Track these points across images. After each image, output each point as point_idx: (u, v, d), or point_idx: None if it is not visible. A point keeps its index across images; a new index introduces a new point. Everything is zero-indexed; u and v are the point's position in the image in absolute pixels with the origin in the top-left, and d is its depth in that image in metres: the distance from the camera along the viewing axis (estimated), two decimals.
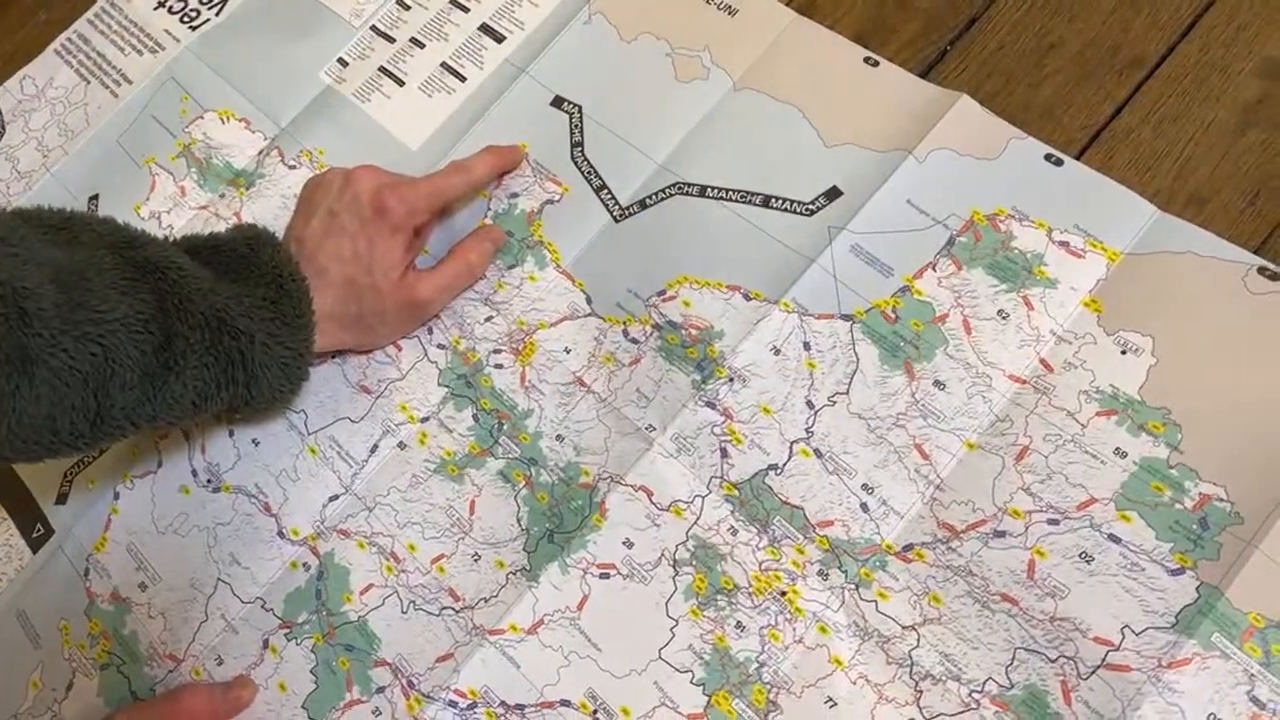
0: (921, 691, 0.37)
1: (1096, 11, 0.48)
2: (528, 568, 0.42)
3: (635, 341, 0.45)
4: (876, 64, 0.48)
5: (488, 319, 0.48)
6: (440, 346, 0.48)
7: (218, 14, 0.60)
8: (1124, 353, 0.39)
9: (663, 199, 0.48)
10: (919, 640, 0.37)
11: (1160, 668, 0.34)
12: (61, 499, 0.49)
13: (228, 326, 0.40)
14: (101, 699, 0.44)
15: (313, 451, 0.47)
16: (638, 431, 0.43)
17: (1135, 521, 0.37)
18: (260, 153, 0.55)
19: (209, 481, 0.47)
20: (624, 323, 0.46)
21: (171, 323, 0.39)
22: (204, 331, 0.39)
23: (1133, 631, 0.35)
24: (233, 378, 0.41)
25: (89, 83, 0.60)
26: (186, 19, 0.60)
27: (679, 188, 0.48)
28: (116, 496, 0.48)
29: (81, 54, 0.62)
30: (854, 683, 0.37)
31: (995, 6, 0.49)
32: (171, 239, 0.43)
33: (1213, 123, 0.44)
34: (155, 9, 0.61)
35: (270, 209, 0.53)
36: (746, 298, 0.44)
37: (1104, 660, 0.35)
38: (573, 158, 0.50)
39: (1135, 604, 0.35)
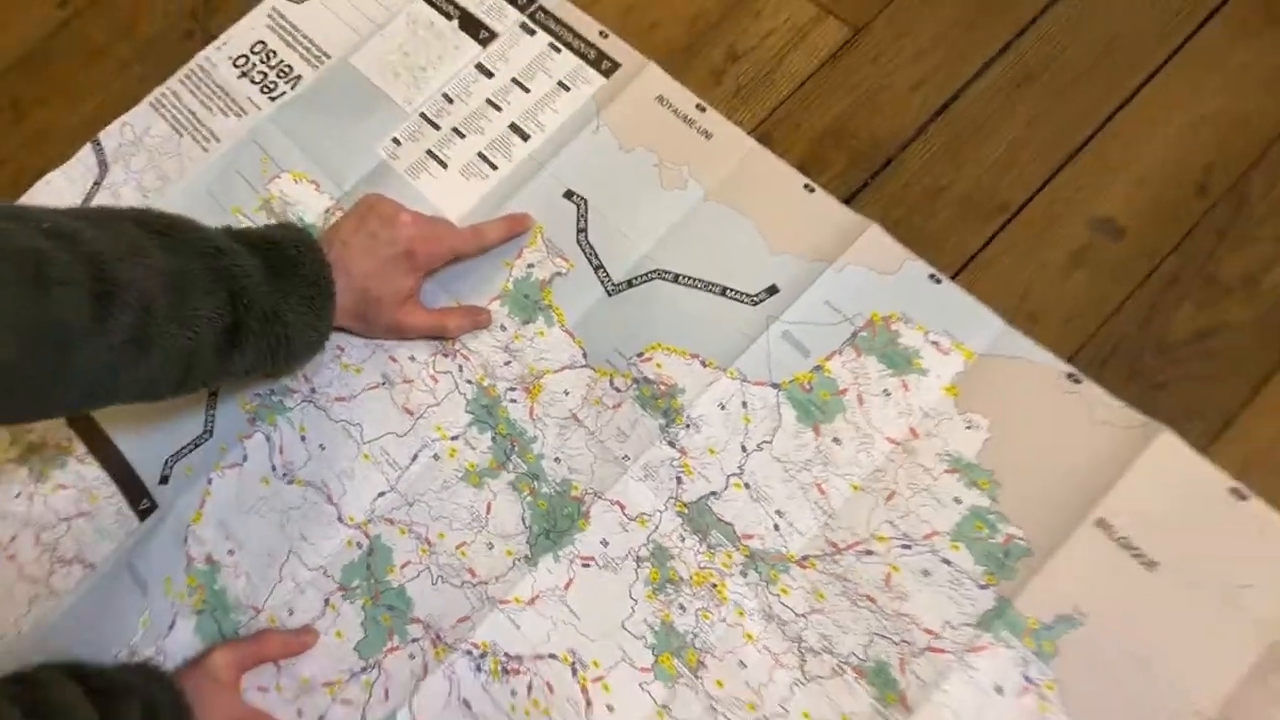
0: (805, 660, 0.52)
1: (981, 163, 0.63)
2: (529, 555, 0.57)
3: (618, 390, 0.60)
4: (812, 190, 0.63)
5: (506, 363, 0.62)
6: (469, 382, 0.62)
7: (292, 88, 0.73)
8: (969, 428, 0.55)
9: (646, 280, 0.63)
10: (807, 625, 0.53)
11: (966, 651, 0.50)
12: (164, 480, 0.62)
13: (279, 319, 0.53)
14: (198, 637, 0.58)
15: (366, 457, 0.61)
16: (616, 460, 0.58)
17: (962, 550, 0.53)
18: (326, 210, 0.69)
19: (284, 475, 0.61)
20: (611, 375, 0.61)
21: (239, 316, 0.52)
22: (261, 322, 0.53)
23: (950, 626, 0.51)
24: (275, 354, 0.55)
25: (181, 136, 0.73)
26: (266, 89, 0.74)
27: (658, 273, 0.63)
28: (210, 482, 0.62)
29: (174, 109, 0.74)
30: (759, 652, 0.53)
31: (907, 151, 0.64)
32: (236, 230, 0.56)
33: (1051, 261, 0.60)
34: (239, 77, 0.75)
35: None
36: (703, 364, 0.60)
37: (929, 645, 0.51)
38: (578, 240, 0.65)
39: (954, 607, 0.51)
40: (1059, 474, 0.53)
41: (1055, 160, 0.62)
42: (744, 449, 0.57)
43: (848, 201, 0.63)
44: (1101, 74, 0.64)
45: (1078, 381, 0.55)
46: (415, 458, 0.61)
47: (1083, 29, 0.66)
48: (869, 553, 0.54)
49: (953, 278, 0.60)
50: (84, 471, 0.64)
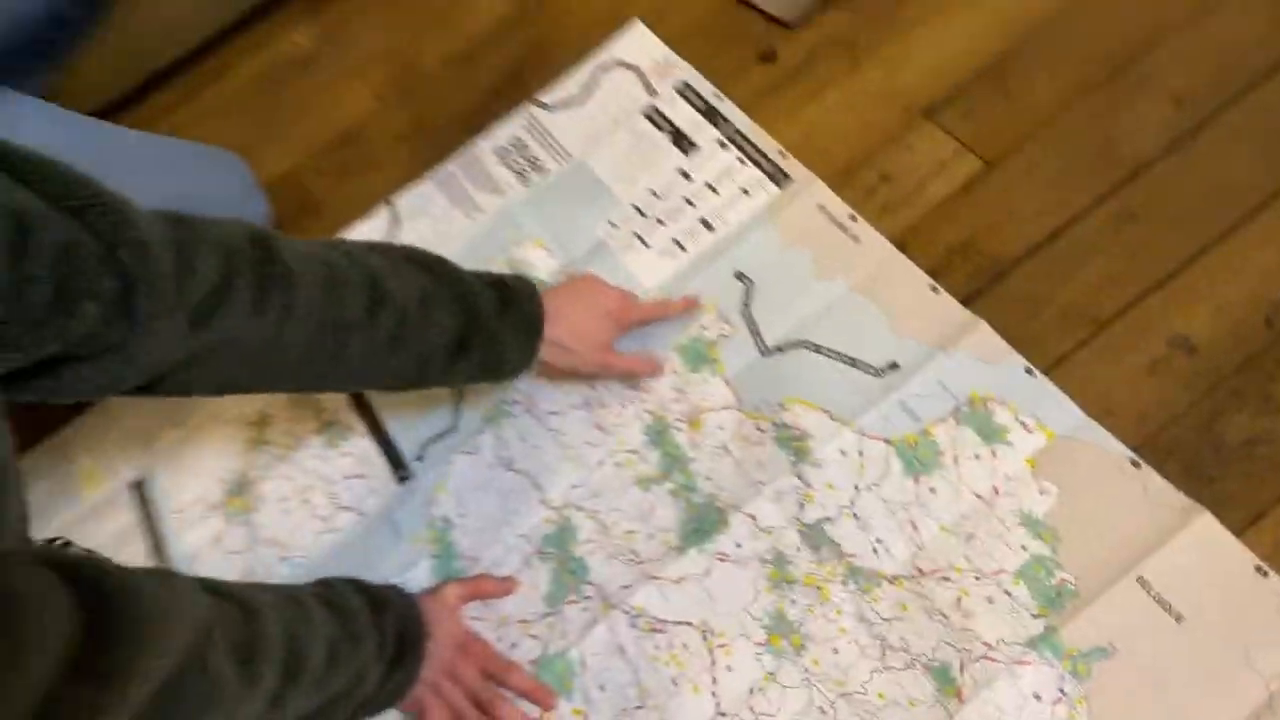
0: (885, 654, 0.67)
1: (1081, 282, 0.77)
2: (680, 546, 0.75)
3: (761, 431, 0.77)
4: (937, 291, 0.79)
5: (676, 400, 0.81)
6: (647, 411, 0.81)
7: (540, 177, 0.96)
8: (1041, 493, 0.69)
9: (793, 348, 0.80)
10: (890, 628, 0.68)
11: (1014, 664, 0.64)
12: (419, 458, 0.85)
13: (498, 340, 0.70)
14: (432, 575, 0.79)
15: (567, 458, 0.81)
16: (753, 483, 0.75)
17: (1022, 586, 0.66)
18: (553, 272, 0.90)
19: (505, 464, 0.82)
20: (757, 419, 0.78)
21: (468, 333, 0.69)
22: (484, 341, 0.69)
23: (1004, 642, 0.65)
24: (489, 368, 0.72)
25: (454, 206, 0.97)
26: (519, 176, 0.97)
27: (804, 343, 0.80)
28: (451, 463, 0.83)
29: (451, 185, 0.99)
30: (849, 643, 0.68)
31: (1020, 266, 0.79)
32: (480, 271, 0.74)
33: (1131, 367, 0.73)
34: (500, 165, 0.98)
35: None
36: (831, 418, 0.76)
37: (985, 655, 0.65)
38: (742, 312, 0.83)
39: (1009, 629, 0.65)
40: (1111, 537, 0.66)
41: (1146, 285, 0.75)
42: (856, 488, 0.73)
43: (965, 302, 0.78)
44: (1196, 218, 0.77)
45: (1138, 466, 0.68)
46: (602, 463, 0.80)
47: (1185, 179, 0.79)
48: (946, 579, 0.68)
49: (1045, 372, 0.74)
50: (363, 445, 0.87)
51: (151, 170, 0.86)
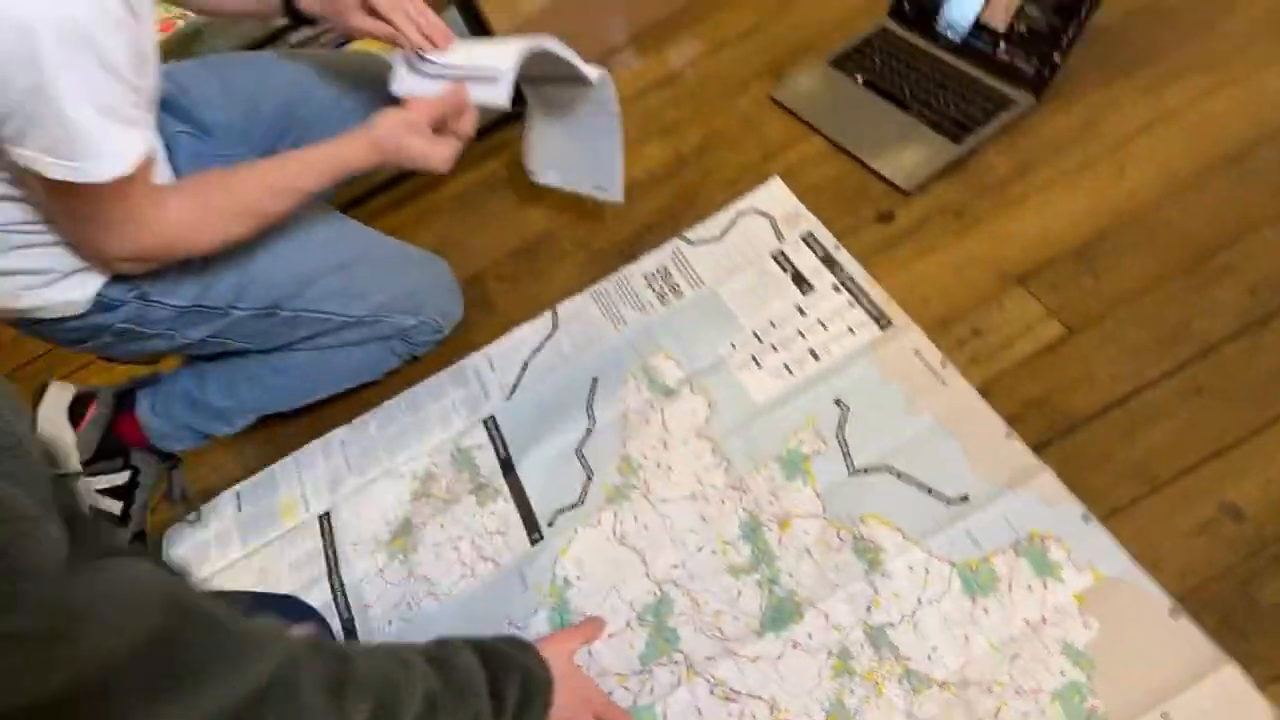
0: None
1: (1145, 444, 0.86)
2: (759, 630, 0.87)
3: (841, 540, 0.89)
4: (1010, 437, 0.90)
5: (770, 503, 0.94)
6: (745, 509, 0.94)
7: (677, 299, 1.14)
8: (1085, 626, 0.78)
9: (876, 471, 0.92)
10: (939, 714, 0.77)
11: None
12: (550, 524, 1.01)
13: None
14: (549, 625, 0.94)
15: (672, 540, 0.95)
16: (829, 584, 0.87)
17: (1057, 706, 0.75)
18: (678, 381, 1.06)
19: (620, 538, 0.97)
20: (838, 528, 0.90)
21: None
22: None
23: None
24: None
25: (605, 317, 1.16)
26: (660, 298, 1.14)
27: (886, 468, 0.92)
28: (576, 532, 0.99)
29: (604, 300, 1.18)
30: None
31: (1089, 424, 0.89)
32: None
33: (1181, 525, 0.81)
34: (645, 287, 1.16)
35: (681, 410, 1.03)
36: (904, 537, 0.87)
37: None
38: (836, 434, 0.96)
39: None
40: (1143, 674, 0.74)
41: (1205, 454, 0.84)
42: (919, 600, 0.84)
43: (1035, 450, 0.89)
44: (1258, 399, 0.85)
45: (1177, 615, 0.76)
46: (701, 549, 0.94)
47: (1251, 362, 0.87)
48: (989, 691, 0.77)
49: (1101, 520, 0.83)
50: (506, 507, 1.04)
51: (380, 268, 1.08)
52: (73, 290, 0.89)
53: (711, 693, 0.85)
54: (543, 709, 0.78)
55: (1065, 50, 1.11)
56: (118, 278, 0.90)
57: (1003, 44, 1.17)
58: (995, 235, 1.05)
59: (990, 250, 1.04)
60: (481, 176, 1.41)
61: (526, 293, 1.24)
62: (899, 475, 0.91)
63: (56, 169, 0.72)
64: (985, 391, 0.94)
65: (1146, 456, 0.86)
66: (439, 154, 0.93)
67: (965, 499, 0.87)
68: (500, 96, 0.93)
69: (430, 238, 1.36)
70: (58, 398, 1.05)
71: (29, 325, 0.92)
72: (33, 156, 0.72)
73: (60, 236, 0.84)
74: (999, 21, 1.17)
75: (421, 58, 0.97)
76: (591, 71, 1.02)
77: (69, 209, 0.79)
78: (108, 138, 0.73)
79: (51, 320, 0.91)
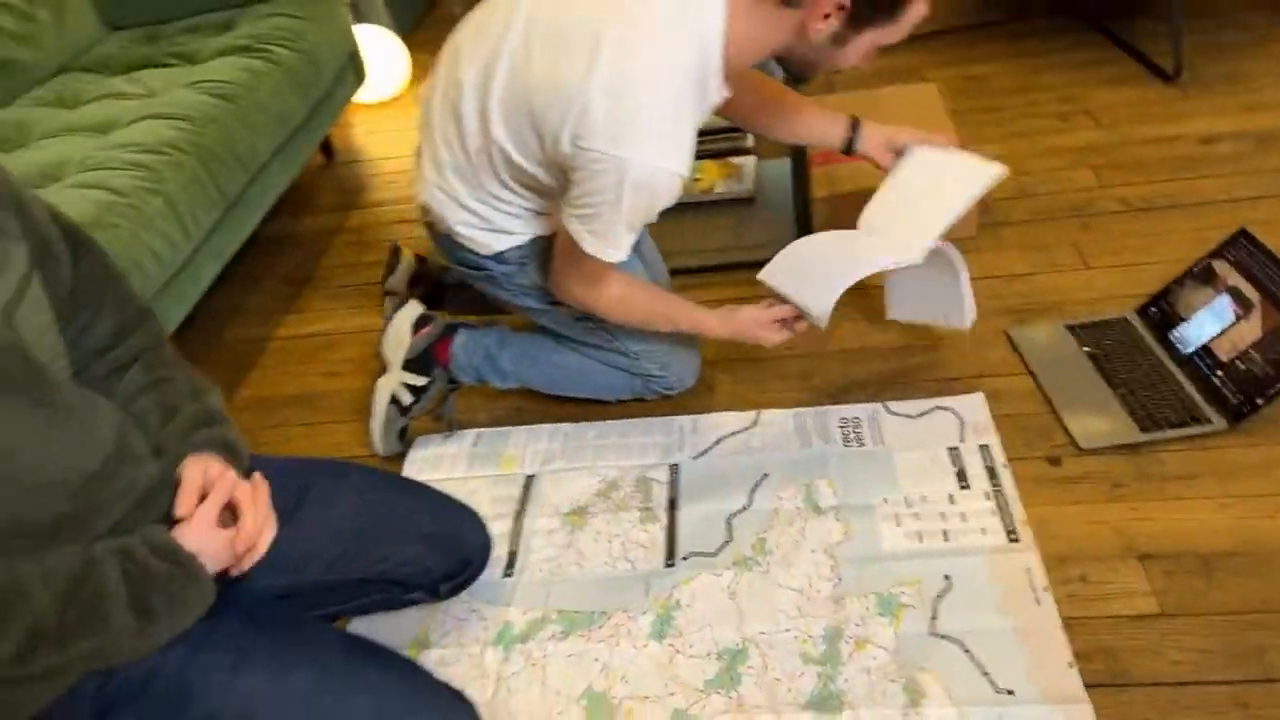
0: None
1: None
2: (803, 706, 1.07)
3: (898, 676, 1.08)
4: (1072, 666, 1.05)
5: (856, 626, 1.14)
6: (834, 619, 1.15)
7: (857, 446, 1.37)
8: None
9: (950, 641, 1.10)
10: None
11: None
12: (685, 559, 1.26)
13: None
14: (649, 632, 1.19)
15: (769, 614, 1.17)
16: (873, 701, 1.06)
17: None
18: (829, 506, 1.29)
19: (729, 595, 1.20)
20: (900, 666, 1.09)
21: None
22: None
23: None
24: None
25: (795, 434, 1.41)
26: (844, 440, 1.39)
27: (960, 642, 1.10)
28: (699, 573, 1.23)
29: (803, 426, 1.44)
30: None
31: (1141, 690, 1.03)
32: None
33: None
34: (836, 426, 1.41)
35: (822, 527, 1.27)
36: (948, 697, 1.05)
37: None
38: (933, 600, 1.15)
39: None
40: None
41: None
42: None
43: (1087, 686, 1.03)
44: None
45: None
46: (788, 630, 1.15)
47: None
48: None
49: None
50: (658, 531, 1.31)
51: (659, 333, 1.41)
52: (492, 241, 1.30)
53: None
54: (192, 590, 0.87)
55: (1270, 397, 1.26)
56: (516, 246, 1.31)
57: (1220, 371, 1.33)
58: (1138, 515, 1.21)
59: (1128, 524, 1.20)
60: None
61: (743, 391, 1.53)
62: (966, 651, 1.09)
63: (589, 242, 1.13)
64: (1067, 625, 1.10)
65: None
66: (775, 340, 1.35)
67: (1011, 693, 1.04)
68: (821, 323, 1.28)
69: None
70: (410, 312, 1.46)
71: (446, 240, 1.34)
72: (576, 230, 1.13)
73: (519, 220, 1.27)
74: (1224, 353, 1.34)
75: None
76: (922, 251, 1.28)
77: (568, 252, 1.19)
78: (625, 244, 1.14)
79: (463, 246, 1.32)
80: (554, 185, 1.17)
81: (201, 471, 0.94)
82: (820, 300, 1.26)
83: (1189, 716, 1.00)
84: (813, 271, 1.32)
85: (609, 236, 1.12)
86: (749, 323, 1.34)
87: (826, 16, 1.04)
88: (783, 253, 1.37)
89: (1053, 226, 1.76)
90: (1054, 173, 1.91)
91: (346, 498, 1.12)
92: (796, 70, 1.18)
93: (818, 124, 1.43)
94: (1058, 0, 2.59)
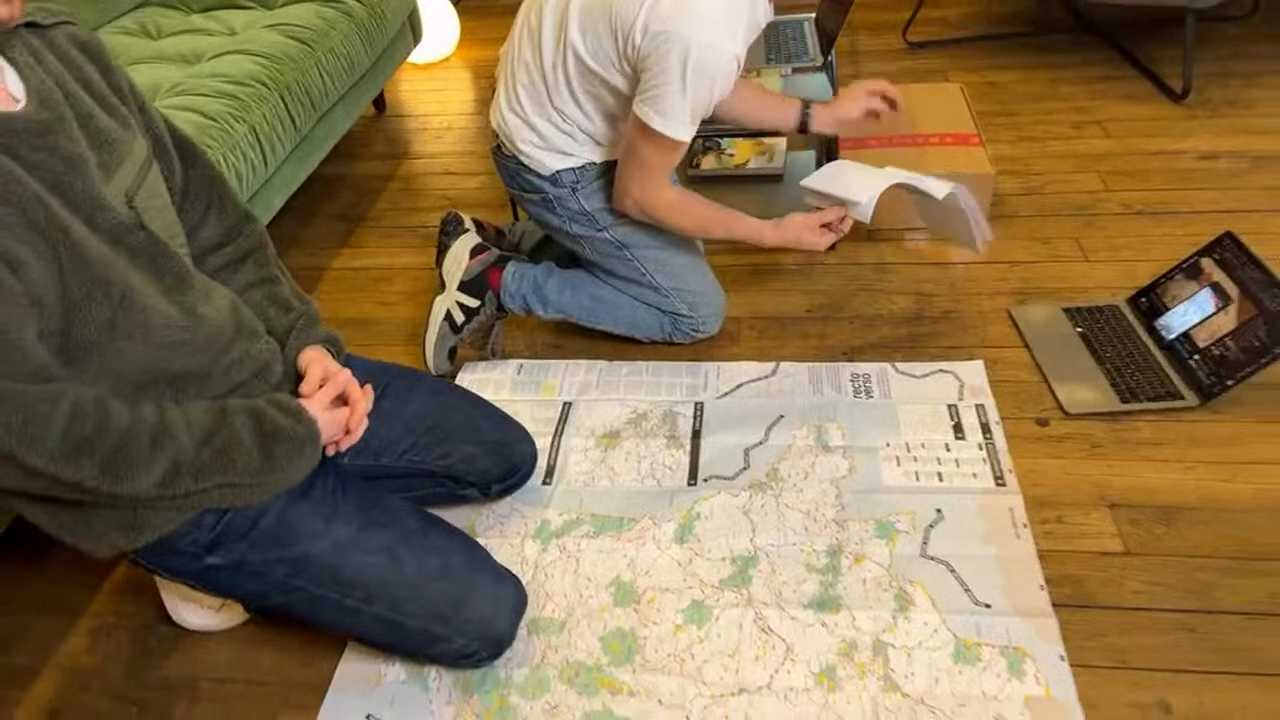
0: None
1: (1126, 639, 1.14)
2: (804, 605, 1.22)
3: (890, 586, 1.23)
4: (1043, 588, 1.20)
5: (857, 543, 1.29)
6: (837, 538, 1.30)
7: (865, 399, 1.52)
8: (1019, 715, 1.07)
9: (938, 561, 1.25)
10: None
11: None
12: (706, 480, 1.41)
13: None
14: (673, 537, 1.34)
15: (780, 527, 1.32)
16: (866, 604, 1.21)
17: None
18: (838, 445, 1.44)
19: (745, 512, 1.35)
20: (893, 579, 1.24)
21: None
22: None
23: None
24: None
25: (810, 384, 1.56)
26: (855, 391, 1.54)
27: (946, 562, 1.25)
28: (719, 493, 1.38)
29: (817, 377, 1.58)
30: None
31: (1105, 613, 1.18)
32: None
33: (1121, 699, 1.09)
34: (848, 380, 1.56)
35: (830, 462, 1.42)
36: (932, 604, 1.20)
37: None
38: (925, 530, 1.30)
39: None
40: None
41: (1167, 667, 1.11)
42: (920, 644, 1.16)
43: (1054, 604, 1.19)
44: (1226, 655, 1.11)
45: None
46: (794, 544, 1.30)
47: (1238, 632, 1.14)
48: (932, 711, 1.08)
49: (1071, 664, 1.12)
50: (683, 456, 1.45)
51: (693, 272, 1.56)
52: (551, 160, 1.46)
53: (754, 622, 1.21)
54: (309, 446, 1.02)
55: (1239, 379, 1.42)
56: (571, 168, 1.46)
57: (1197, 356, 1.49)
58: (1112, 471, 1.36)
59: (1103, 477, 1.35)
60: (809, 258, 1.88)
61: (765, 345, 1.67)
62: (952, 571, 1.24)
63: (657, 120, 1.28)
64: (1042, 556, 1.25)
65: (1127, 647, 1.14)
66: (822, 243, 1.51)
67: (988, 606, 1.19)
68: (865, 216, 1.45)
69: (734, 274, 1.83)
70: (467, 240, 1.61)
71: (512, 162, 1.50)
72: (645, 112, 1.28)
73: (575, 142, 1.43)
74: (1202, 340, 1.49)
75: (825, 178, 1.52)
76: (940, 189, 1.47)
77: (632, 153, 1.35)
78: (688, 124, 1.29)
79: (525, 167, 1.48)
80: (619, 88, 1.34)
81: (323, 365, 1.10)
82: (866, 192, 1.44)
83: (1141, 634, 1.15)
84: (854, 177, 1.51)
85: (675, 114, 1.28)
86: (799, 227, 1.49)
87: None
88: (823, 169, 1.56)
89: (1057, 222, 1.91)
90: (1063, 175, 2.06)
91: (420, 397, 1.27)
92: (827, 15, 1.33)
93: (777, 108, 1.64)
94: (1080, 18, 2.74)
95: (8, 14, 0.81)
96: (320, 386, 1.08)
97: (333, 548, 1.06)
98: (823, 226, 1.50)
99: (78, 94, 0.92)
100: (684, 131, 1.31)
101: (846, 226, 1.51)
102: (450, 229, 1.65)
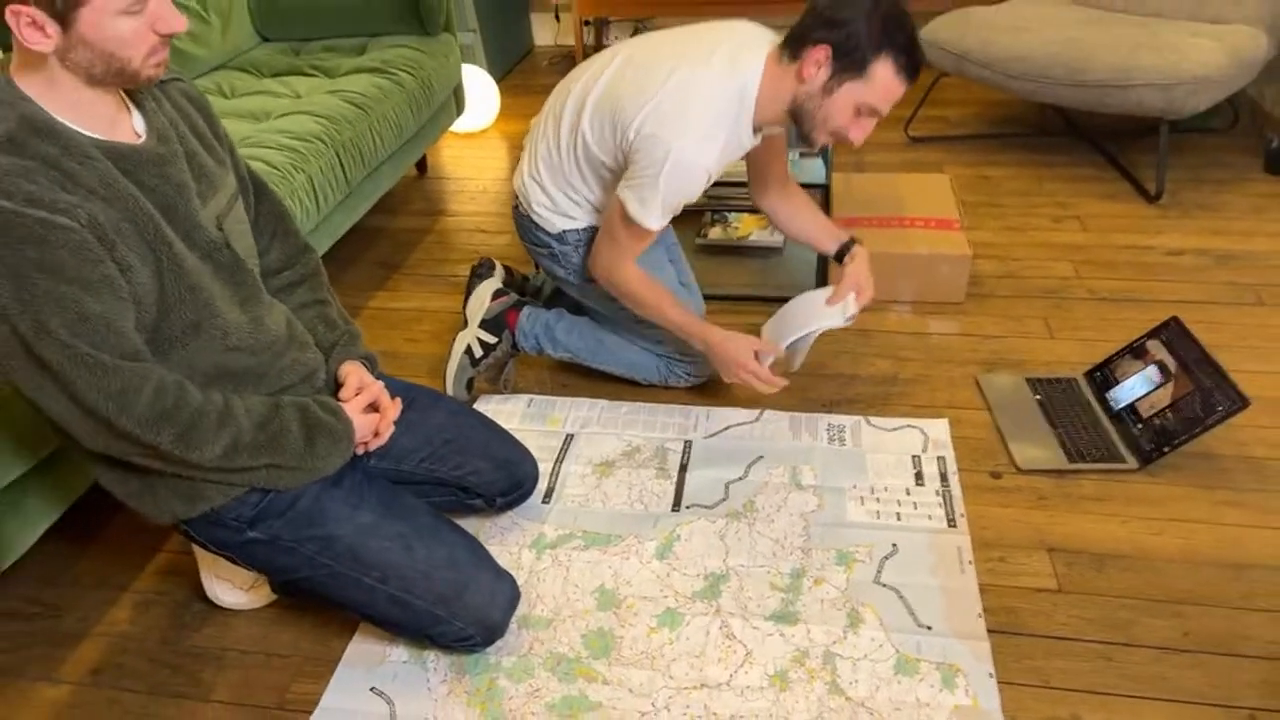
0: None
1: (1051, 664, 1.28)
2: (766, 618, 1.36)
3: (844, 606, 1.38)
4: (980, 615, 1.35)
5: (818, 568, 1.44)
6: (800, 563, 1.45)
7: (838, 445, 1.69)
8: None
9: (888, 588, 1.40)
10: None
11: None
12: (688, 508, 1.57)
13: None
14: (655, 553, 1.49)
15: (748, 552, 1.48)
16: (821, 621, 1.35)
17: None
18: (809, 484, 1.60)
19: (720, 537, 1.51)
20: (848, 600, 1.39)
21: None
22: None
23: None
24: None
25: (789, 430, 1.73)
26: (829, 439, 1.70)
27: (896, 589, 1.39)
28: (698, 519, 1.54)
29: (793, 421, 1.75)
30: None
31: (1027, 639, 1.32)
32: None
33: (1037, 713, 1.22)
34: (824, 429, 1.73)
35: (801, 499, 1.58)
36: (880, 623, 1.34)
37: None
38: (880, 562, 1.45)
39: None
40: None
41: (1083, 688, 1.24)
42: (865, 655, 1.30)
43: (990, 630, 1.33)
44: (1135, 684, 1.24)
45: None
46: (762, 565, 1.45)
47: (1149, 665, 1.27)
48: (871, 713, 1.22)
49: (999, 682, 1.25)
50: (668, 487, 1.62)
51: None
52: (559, 222, 1.67)
53: (720, 629, 1.36)
54: (345, 441, 1.21)
55: (1175, 447, 1.57)
56: (575, 229, 1.66)
57: (1140, 425, 1.64)
58: (1053, 522, 1.51)
59: (1045, 527, 1.50)
60: None
61: (751, 394, 1.83)
62: (900, 596, 1.39)
63: (633, 206, 1.47)
64: (983, 589, 1.39)
65: (1050, 670, 1.27)
66: (732, 379, 1.67)
67: (929, 628, 1.33)
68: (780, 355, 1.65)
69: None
70: (490, 284, 1.82)
71: (526, 220, 1.70)
72: (625, 196, 1.48)
73: (580, 209, 1.63)
74: (1145, 411, 1.65)
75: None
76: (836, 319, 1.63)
77: (609, 226, 1.55)
78: (658, 216, 1.48)
79: (537, 225, 1.68)
80: (615, 169, 1.54)
81: (359, 376, 1.30)
82: (787, 338, 1.64)
83: (1064, 660, 1.29)
84: (786, 324, 1.68)
85: (649, 205, 1.46)
86: (735, 355, 1.62)
87: (818, 64, 1.39)
88: (779, 314, 1.72)
89: (1029, 302, 2.09)
90: (1038, 262, 2.25)
91: (440, 415, 1.45)
92: (804, 129, 1.49)
93: (824, 232, 1.74)
94: (1071, 123, 2.97)
95: (156, 75, 1.03)
96: (356, 394, 1.27)
97: (356, 531, 1.23)
98: (749, 372, 1.62)
99: (186, 135, 1.13)
100: (655, 222, 1.49)
101: (767, 384, 1.64)
102: (483, 271, 1.85)
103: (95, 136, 1.01)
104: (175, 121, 1.13)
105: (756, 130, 1.50)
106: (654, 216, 1.48)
